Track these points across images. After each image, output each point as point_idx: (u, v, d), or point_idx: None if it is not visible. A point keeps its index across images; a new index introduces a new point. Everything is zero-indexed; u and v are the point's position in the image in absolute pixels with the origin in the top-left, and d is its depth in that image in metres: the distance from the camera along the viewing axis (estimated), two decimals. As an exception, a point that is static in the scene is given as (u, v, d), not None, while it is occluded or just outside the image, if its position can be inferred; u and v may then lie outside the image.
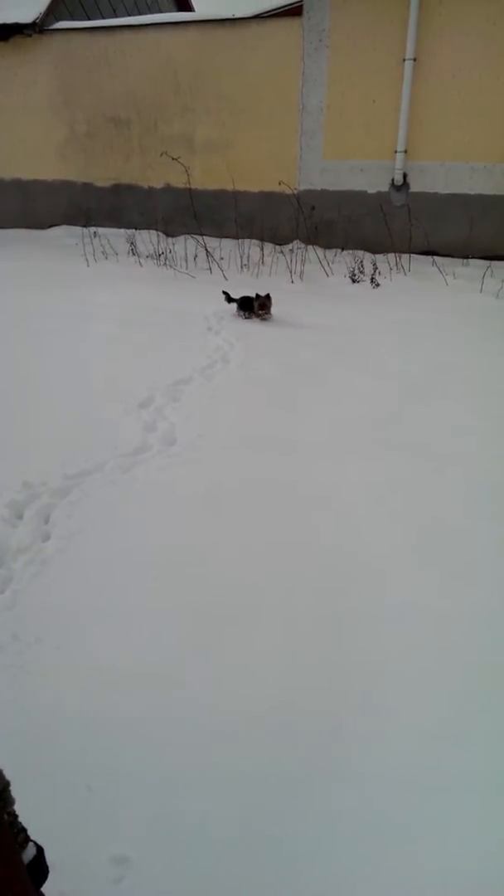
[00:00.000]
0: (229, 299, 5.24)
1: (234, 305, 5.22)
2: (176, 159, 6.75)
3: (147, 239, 7.29)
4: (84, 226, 7.77)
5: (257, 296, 5.01)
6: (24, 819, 1.06)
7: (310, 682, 1.90)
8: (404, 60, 6.17)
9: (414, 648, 2.01)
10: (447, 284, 5.92)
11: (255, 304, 5.02)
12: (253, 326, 4.94)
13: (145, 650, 2.00)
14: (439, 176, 6.56)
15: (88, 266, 6.63)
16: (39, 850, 0.99)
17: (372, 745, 1.71)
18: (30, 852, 0.97)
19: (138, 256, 6.85)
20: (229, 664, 1.95)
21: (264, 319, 5.05)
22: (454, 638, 2.05)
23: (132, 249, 6.94)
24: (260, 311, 5.02)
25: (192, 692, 1.86)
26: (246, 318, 5.10)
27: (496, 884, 1.42)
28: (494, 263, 6.31)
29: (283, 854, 1.46)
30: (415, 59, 6.15)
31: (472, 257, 6.60)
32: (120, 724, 1.76)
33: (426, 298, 5.58)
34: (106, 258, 6.93)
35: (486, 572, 2.34)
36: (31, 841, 0.99)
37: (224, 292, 5.28)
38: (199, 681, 1.89)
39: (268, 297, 5.01)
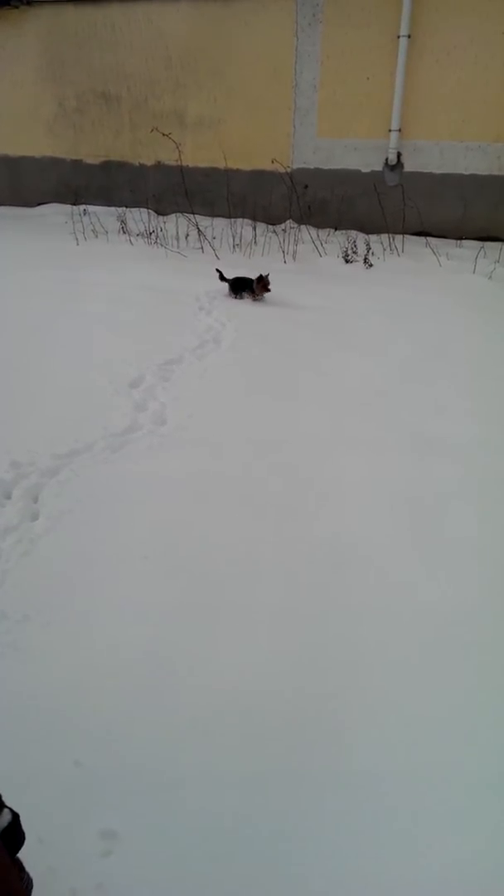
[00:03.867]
0: (222, 278, 5.16)
1: (226, 285, 5.14)
2: (167, 135, 6.63)
3: (138, 217, 7.18)
4: (73, 204, 7.64)
5: (260, 277, 4.91)
6: (11, 794, 1.06)
7: (305, 668, 1.90)
8: (399, 37, 6.06)
9: (413, 640, 1.98)
10: (440, 265, 5.87)
11: (257, 285, 4.92)
12: (245, 306, 4.89)
13: (135, 628, 1.99)
14: (434, 155, 6.49)
15: (78, 244, 6.53)
16: (15, 816, 0.99)
17: (370, 735, 1.70)
18: (5, 818, 0.96)
19: (129, 235, 6.75)
20: (222, 645, 1.95)
21: (256, 300, 5.00)
22: (454, 630, 2.02)
23: (123, 228, 6.83)
24: (262, 292, 4.94)
25: (184, 671, 1.85)
26: (237, 298, 5.04)
27: (498, 880, 1.40)
28: (487, 244, 6.27)
29: (274, 835, 1.47)
30: (409, 36, 6.04)
31: (465, 238, 6.55)
32: (109, 700, 1.75)
33: (420, 279, 5.54)
34: (96, 237, 6.82)
35: (487, 561, 2.33)
36: (7, 807, 0.98)
37: (218, 270, 5.20)
38: (192, 659, 1.89)
39: (267, 277, 4.94)
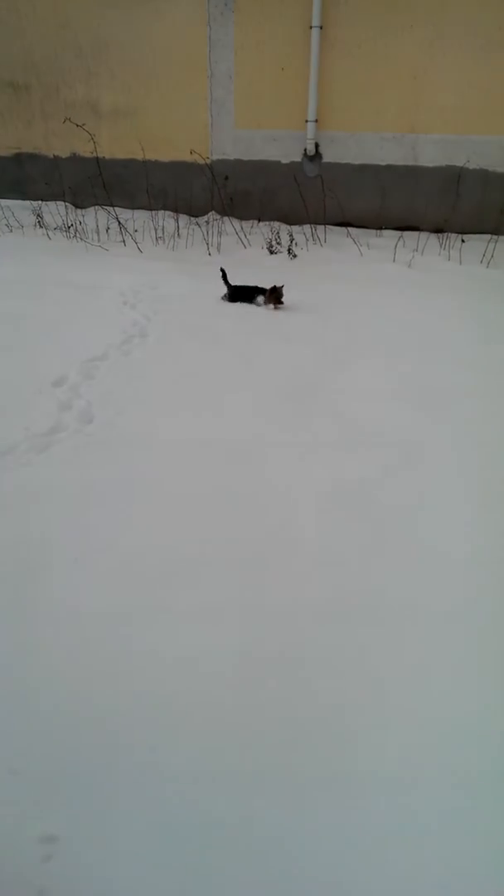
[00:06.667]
0: (226, 280, 4.84)
1: (223, 289, 4.84)
2: (81, 126, 6.44)
3: (55, 210, 6.96)
4: (-16, 198, 7.32)
5: (274, 288, 4.67)
6: None
7: (242, 669, 1.92)
8: (311, 28, 6.14)
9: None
10: (362, 255, 6.01)
11: (269, 297, 4.68)
12: (171, 301, 4.82)
13: (69, 632, 1.94)
14: (350, 146, 6.61)
15: (-8, 240, 6.27)
16: None
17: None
18: None
19: (46, 229, 6.53)
20: (162, 646, 1.93)
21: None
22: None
23: (39, 222, 6.60)
24: (274, 304, 4.71)
25: (121, 675, 1.83)
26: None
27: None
28: (406, 234, 6.48)
29: (213, 838, 1.47)
30: (321, 27, 6.12)
31: (384, 228, 6.73)
32: (44, 708, 1.70)
33: (342, 269, 5.64)
34: (10, 231, 6.56)
35: (457, 552, 2.35)
36: None
37: (221, 269, 4.87)
38: (128, 663, 1.87)
39: (281, 288, 4.70)
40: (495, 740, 1.68)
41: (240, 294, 4.82)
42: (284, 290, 4.68)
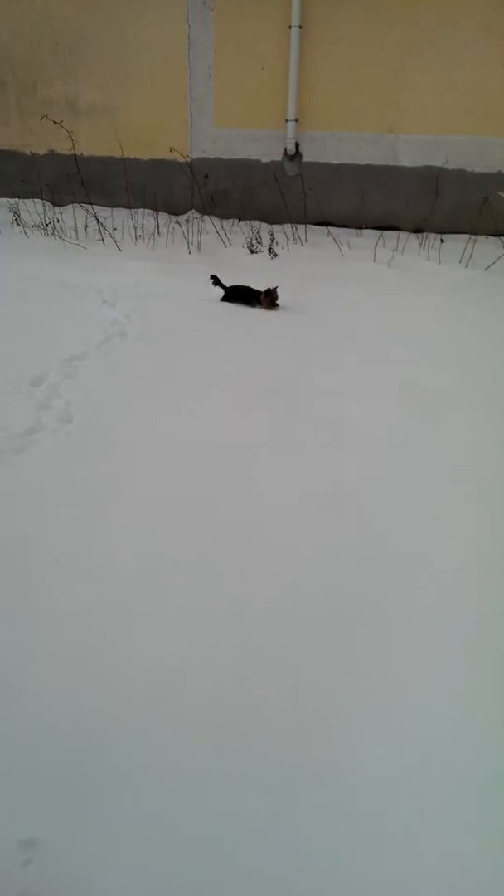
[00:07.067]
0: (217, 283, 4.80)
1: (218, 292, 4.79)
2: (58, 123, 6.38)
3: (32, 208, 6.88)
4: (-40, 195, 7.22)
5: (268, 290, 4.63)
6: None
7: (219, 669, 1.91)
8: (290, 27, 6.14)
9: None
10: (342, 254, 6.03)
11: (263, 299, 4.64)
12: (152, 300, 4.80)
13: (46, 633, 1.92)
14: (330, 146, 6.63)
15: (-32, 238, 6.18)
16: None
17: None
18: None
19: (23, 227, 6.45)
20: (137, 646, 1.92)
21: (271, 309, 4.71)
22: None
23: (16, 219, 6.52)
24: (269, 307, 4.66)
25: (100, 676, 1.81)
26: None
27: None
28: (386, 233, 6.51)
29: (212, 834, 1.45)
30: (301, 27, 6.13)
31: (364, 227, 6.76)
32: (17, 709, 1.68)
33: (323, 268, 5.66)
34: (-13, 229, 6.48)
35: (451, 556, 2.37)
36: None
37: (212, 276, 4.82)
38: (108, 663, 1.84)
39: (275, 290, 4.66)
40: (493, 740, 1.68)
41: (235, 295, 4.80)
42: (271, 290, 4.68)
